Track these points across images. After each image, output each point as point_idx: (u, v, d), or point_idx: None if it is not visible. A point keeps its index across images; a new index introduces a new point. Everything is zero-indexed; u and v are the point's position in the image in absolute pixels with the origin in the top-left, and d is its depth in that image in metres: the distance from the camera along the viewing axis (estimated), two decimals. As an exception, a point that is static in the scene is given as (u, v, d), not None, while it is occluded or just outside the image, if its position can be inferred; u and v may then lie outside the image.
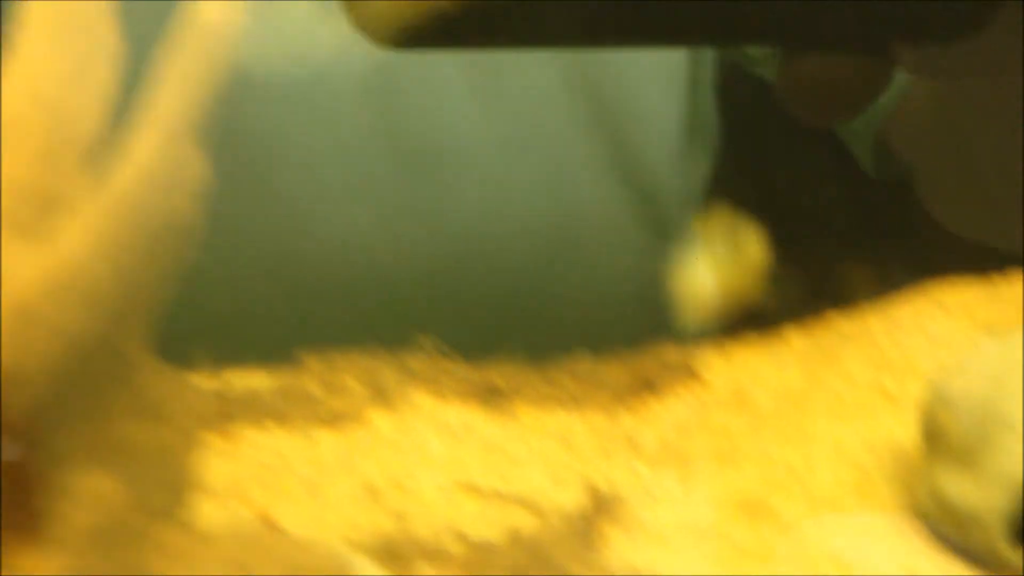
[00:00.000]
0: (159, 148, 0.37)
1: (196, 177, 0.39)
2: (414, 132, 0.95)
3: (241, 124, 0.90)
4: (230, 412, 0.74)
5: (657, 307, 1.06)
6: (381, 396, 0.77)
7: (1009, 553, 0.55)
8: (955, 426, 0.58)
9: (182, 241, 0.40)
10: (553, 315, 1.01)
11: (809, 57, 0.53)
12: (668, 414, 0.76)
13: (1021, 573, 0.56)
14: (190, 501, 0.58)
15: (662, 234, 1.00)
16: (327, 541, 0.53)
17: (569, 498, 0.66)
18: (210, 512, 0.65)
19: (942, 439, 0.60)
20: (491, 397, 0.79)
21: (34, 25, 0.36)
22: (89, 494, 0.38)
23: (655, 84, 0.98)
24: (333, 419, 0.75)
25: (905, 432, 0.65)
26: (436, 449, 0.71)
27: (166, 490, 0.43)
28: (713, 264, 0.67)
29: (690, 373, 0.81)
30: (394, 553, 0.60)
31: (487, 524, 0.63)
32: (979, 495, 0.56)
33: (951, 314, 0.80)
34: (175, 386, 0.50)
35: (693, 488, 0.67)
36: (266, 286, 0.96)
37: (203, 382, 0.76)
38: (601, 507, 0.65)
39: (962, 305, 0.80)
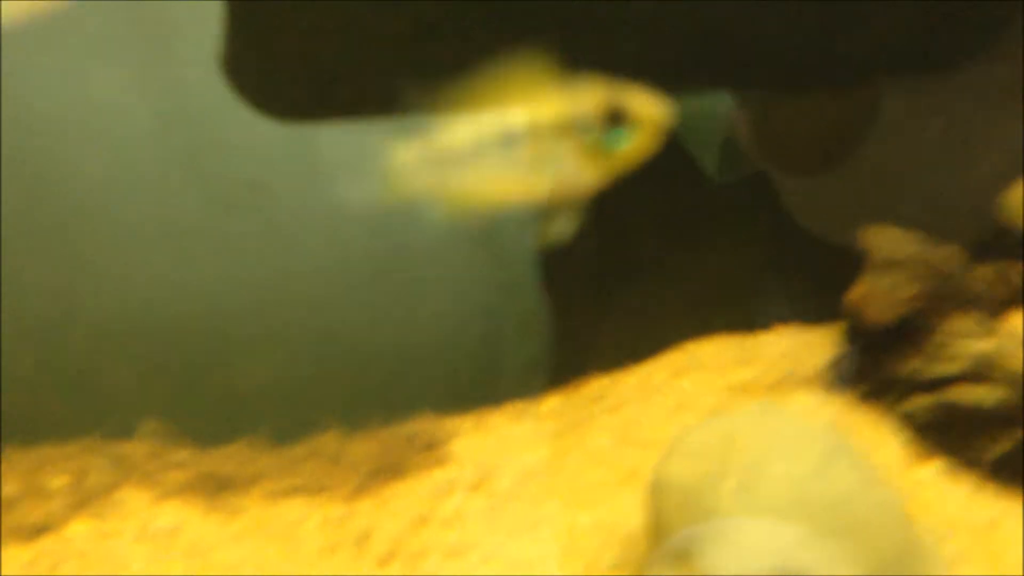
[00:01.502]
0: None
1: None
2: None
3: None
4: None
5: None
6: (87, 499, 0.69)
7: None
8: (670, 515, 0.54)
9: None
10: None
11: (784, 102, 0.46)
12: (409, 499, 0.70)
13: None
14: None
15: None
16: None
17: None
18: None
19: (661, 528, 0.55)
20: (218, 490, 0.72)
21: None
22: None
23: None
24: (25, 531, 0.66)
25: (638, 515, 0.61)
26: (135, 561, 0.63)
27: None
28: None
29: (440, 451, 0.76)
30: None
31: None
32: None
33: (706, 371, 0.77)
34: None
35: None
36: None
37: None
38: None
39: (717, 364, 0.77)
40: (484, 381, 1.01)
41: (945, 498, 0.64)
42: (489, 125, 0.48)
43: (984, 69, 0.52)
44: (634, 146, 0.50)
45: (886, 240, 0.73)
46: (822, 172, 0.49)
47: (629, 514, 0.63)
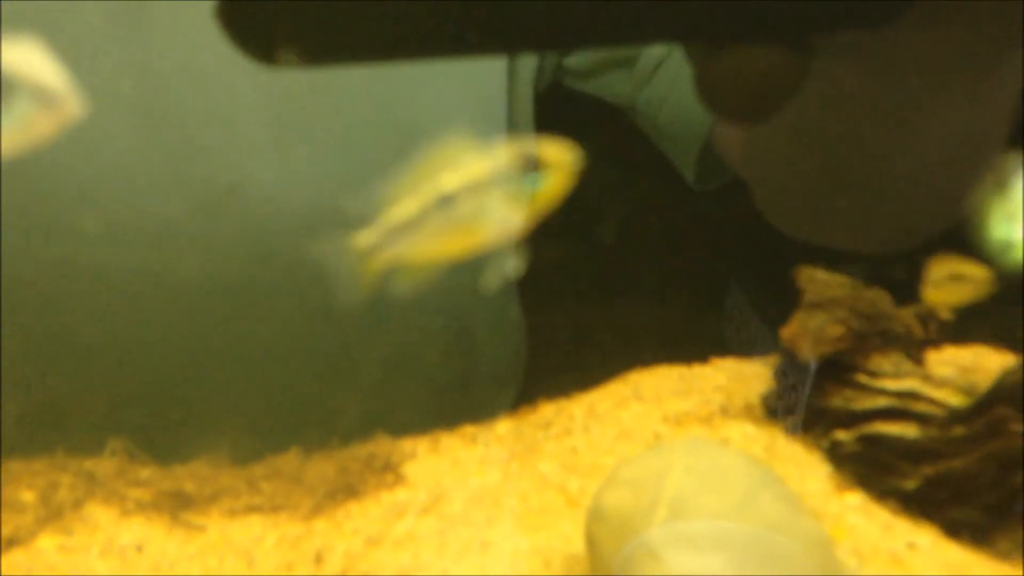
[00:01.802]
0: None
1: None
2: None
3: None
4: None
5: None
6: (55, 513, 0.72)
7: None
8: (605, 543, 0.58)
9: None
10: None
11: (725, 54, 0.51)
12: (363, 520, 0.74)
13: None
14: None
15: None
16: None
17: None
18: None
19: (597, 555, 0.59)
20: (179, 508, 0.75)
21: None
22: None
23: (470, 105, 0.95)
24: (-2, 544, 0.69)
25: (580, 541, 0.65)
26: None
27: None
28: None
29: (395, 473, 0.79)
30: None
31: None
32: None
33: (646, 402, 0.81)
34: None
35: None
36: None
37: None
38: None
39: (656, 395, 0.81)
40: (453, 399, 1.04)
41: (865, 525, 0.69)
42: (427, 194, 0.55)
43: (933, 32, 0.55)
44: (548, 186, 0.58)
45: (817, 282, 0.78)
46: (761, 119, 0.54)
47: (572, 539, 0.68)
